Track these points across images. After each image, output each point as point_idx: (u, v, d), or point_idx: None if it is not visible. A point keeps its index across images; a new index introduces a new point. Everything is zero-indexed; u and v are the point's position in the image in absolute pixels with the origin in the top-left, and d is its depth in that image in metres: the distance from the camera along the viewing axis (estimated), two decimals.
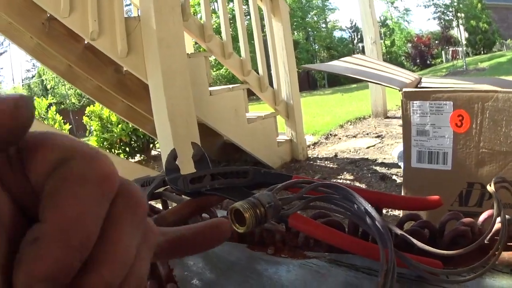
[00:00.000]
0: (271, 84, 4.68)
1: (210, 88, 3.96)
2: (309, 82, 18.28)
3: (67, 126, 6.86)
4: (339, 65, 2.09)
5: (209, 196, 0.78)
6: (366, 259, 0.66)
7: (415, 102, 1.53)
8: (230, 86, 4.35)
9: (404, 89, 1.56)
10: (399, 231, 0.61)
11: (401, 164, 3.45)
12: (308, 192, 0.62)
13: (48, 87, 17.26)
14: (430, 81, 1.99)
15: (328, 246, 0.73)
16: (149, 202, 0.82)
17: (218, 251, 0.83)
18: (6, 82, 20.62)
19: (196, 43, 5.59)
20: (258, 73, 4.48)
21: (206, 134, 3.97)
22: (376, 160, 4.37)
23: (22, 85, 19.29)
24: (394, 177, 3.71)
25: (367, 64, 2.12)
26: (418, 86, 1.76)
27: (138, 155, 7.01)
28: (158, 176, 0.92)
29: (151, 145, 7.02)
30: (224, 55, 4.01)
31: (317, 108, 9.08)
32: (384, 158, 4.35)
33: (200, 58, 3.86)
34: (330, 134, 6.06)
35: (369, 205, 0.58)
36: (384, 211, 0.69)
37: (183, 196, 0.86)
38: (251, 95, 5.79)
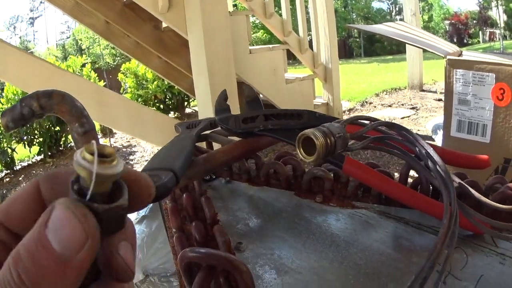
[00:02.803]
0: (310, 47, 4.62)
1: (250, 47, 3.92)
2: (345, 51, 18.06)
3: (102, 83, 6.92)
4: (383, 28, 2.06)
5: (260, 137, 0.76)
6: (414, 213, 0.64)
7: (458, 70, 1.50)
8: (270, 46, 4.31)
9: (448, 57, 1.52)
10: (457, 180, 0.58)
11: (435, 137, 3.41)
12: (369, 132, 0.59)
13: (83, 47, 17.43)
14: (471, 54, 1.94)
15: (376, 198, 0.71)
16: (196, 144, 0.80)
17: (264, 197, 0.82)
18: (40, 44, 20.91)
19: (235, 4, 5.54)
20: (298, 34, 4.40)
21: (243, 92, 3.95)
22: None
23: (56, 45, 19.51)
24: None
25: (410, 31, 2.08)
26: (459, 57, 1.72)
27: (172, 112, 7.06)
28: (205, 118, 0.90)
29: (186, 103, 7.06)
30: (265, 14, 3.95)
31: (353, 75, 9.00)
32: (418, 130, 4.29)
33: (241, 16, 3.82)
34: (366, 102, 6.01)
35: (431, 149, 0.55)
36: None
37: (230, 138, 0.84)
38: (290, 59, 5.75)
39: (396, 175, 0.72)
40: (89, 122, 0.59)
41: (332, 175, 0.78)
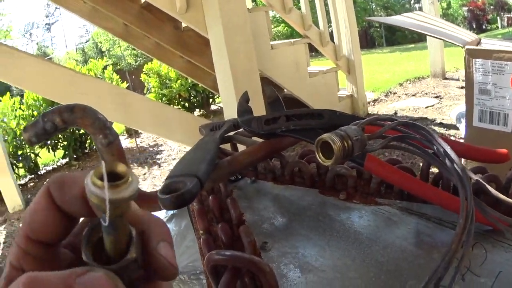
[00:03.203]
0: (331, 39, 4.61)
1: (271, 42, 3.94)
2: (367, 40, 17.89)
3: (124, 85, 6.99)
4: (402, 19, 2.05)
5: (283, 137, 0.77)
6: (436, 209, 0.64)
7: (477, 60, 1.48)
8: (292, 40, 4.31)
9: (467, 46, 1.51)
10: (474, 177, 0.59)
11: (459, 125, 3.38)
12: (387, 132, 0.60)
13: (103, 49, 17.48)
14: (490, 42, 1.92)
15: (399, 194, 0.72)
16: (221, 146, 0.82)
17: (289, 196, 0.83)
18: (59, 49, 21.05)
19: (254, 0, 5.54)
20: (318, 28, 4.40)
21: (266, 93, 3.97)
22: (434, 120, 4.29)
23: (76, 49, 19.61)
24: (452, 138, 3.63)
25: (429, 21, 2.07)
26: (478, 46, 1.70)
27: (197, 110, 7.11)
28: (228, 120, 0.91)
29: (211, 100, 7.09)
30: (284, 9, 3.95)
31: (376, 65, 8.93)
32: (443, 119, 4.26)
33: (261, 12, 3.84)
34: (390, 92, 5.97)
35: (449, 147, 0.56)
36: None
37: (254, 139, 0.85)
38: (312, 51, 5.74)
39: (420, 164, 0.72)
40: (112, 133, 0.61)
41: (355, 172, 0.79)
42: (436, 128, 4.00)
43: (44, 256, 0.29)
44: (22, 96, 6.45)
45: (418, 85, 6.16)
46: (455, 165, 0.53)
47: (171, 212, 2.18)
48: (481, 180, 0.58)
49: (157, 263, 0.28)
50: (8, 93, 6.05)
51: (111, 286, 0.24)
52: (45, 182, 0.29)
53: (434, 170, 0.68)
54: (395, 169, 0.66)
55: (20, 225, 0.32)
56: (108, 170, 0.24)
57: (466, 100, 1.56)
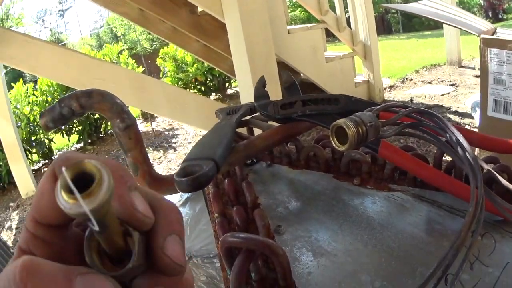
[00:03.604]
0: (348, 25, 4.58)
1: (288, 27, 3.91)
2: (384, 27, 17.67)
3: (140, 69, 7.00)
4: (418, 7, 2.04)
5: (299, 122, 0.78)
6: (448, 196, 0.65)
7: (492, 49, 1.47)
8: (308, 25, 4.29)
9: (482, 36, 1.49)
10: (486, 166, 0.59)
11: (474, 114, 3.35)
12: (401, 119, 0.60)
13: (118, 34, 17.40)
14: (506, 32, 1.90)
15: (412, 181, 0.72)
16: (237, 130, 0.83)
17: (304, 180, 0.84)
18: (73, 35, 20.98)
19: None
20: (335, 13, 4.36)
21: (282, 78, 3.96)
22: (450, 108, 4.26)
23: (91, 35, 19.56)
24: (467, 127, 3.62)
25: (445, 9, 2.05)
26: (493, 35, 1.68)
27: (213, 93, 7.11)
28: (245, 104, 0.92)
29: (227, 84, 7.08)
30: None
31: (392, 52, 8.87)
32: (458, 107, 4.24)
33: None
34: (406, 79, 5.94)
35: (461, 136, 0.56)
36: None
37: (270, 123, 0.86)
38: (328, 36, 5.71)
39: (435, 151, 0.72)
40: (130, 117, 0.62)
41: (369, 157, 0.80)
42: (451, 117, 3.99)
43: (53, 239, 0.28)
44: (35, 82, 6.48)
45: (434, 72, 6.11)
46: (467, 154, 0.53)
47: (186, 195, 2.20)
48: (492, 170, 0.58)
49: (162, 263, 0.27)
50: (21, 80, 6.09)
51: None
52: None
53: (448, 158, 0.68)
54: (409, 156, 0.66)
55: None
56: (74, 174, 0.22)
57: (480, 89, 1.54)
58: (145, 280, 0.27)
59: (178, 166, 4.42)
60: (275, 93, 2.34)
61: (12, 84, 5.90)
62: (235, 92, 6.97)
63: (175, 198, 2.41)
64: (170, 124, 6.20)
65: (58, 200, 0.22)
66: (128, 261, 0.26)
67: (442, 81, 5.45)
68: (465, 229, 0.44)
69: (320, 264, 0.57)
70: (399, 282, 0.50)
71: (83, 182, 0.22)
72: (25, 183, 4.50)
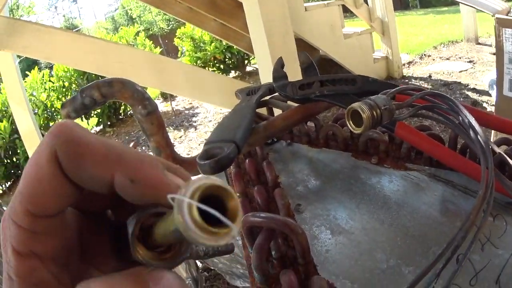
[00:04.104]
0: (365, 1, 4.53)
1: (305, 4, 3.89)
2: (401, 2, 17.39)
3: (158, 50, 7.02)
4: None
5: (317, 102, 0.79)
6: (463, 177, 0.66)
7: (507, 29, 1.45)
8: (325, 2, 4.26)
9: (497, 15, 1.47)
10: (497, 149, 0.60)
11: (492, 92, 3.31)
12: (416, 101, 0.61)
13: (134, 16, 17.29)
14: None
15: (428, 160, 0.73)
16: (256, 110, 0.84)
17: (323, 159, 0.85)
18: (87, 20, 20.89)
19: None
20: None
21: (303, 49, 3.94)
22: (468, 85, 4.24)
23: (105, 18, 19.45)
24: (484, 104, 3.63)
25: None
26: (508, 15, 1.65)
27: (233, 71, 7.11)
28: (264, 84, 0.93)
29: (246, 61, 7.07)
30: None
31: (410, 27, 8.76)
32: (476, 84, 4.22)
33: None
34: (424, 55, 5.90)
35: (473, 119, 0.57)
36: None
37: (289, 103, 0.87)
38: (345, 12, 5.68)
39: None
40: (151, 103, 0.65)
41: (387, 137, 0.81)
42: (469, 94, 3.99)
43: (55, 230, 0.25)
44: (51, 68, 6.52)
45: (452, 48, 6.05)
46: (478, 136, 0.54)
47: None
48: (503, 154, 0.59)
49: None
50: (36, 67, 6.14)
51: None
52: (45, 134, 0.25)
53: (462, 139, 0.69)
54: (424, 136, 0.67)
55: (12, 201, 0.24)
56: (209, 193, 0.20)
57: (496, 68, 1.53)
58: None
59: (199, 144, 4.46)
60: (294, 71, 2.33)
61: (27, 72, 5.96)
62: (255, 69, 6.96)
63: None
64: (190, 103, 6.23)
65: (188, 225, 0.19)
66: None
67: (459, 58, 5.40)
68: (474, 211, 0.45)
69: (337, 242, 0.59)
70: (413, 261, 0.51)
71: (212, 203, 0.20)
72: None
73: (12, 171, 5.13)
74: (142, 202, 0.24)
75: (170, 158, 0.69)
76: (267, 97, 0.93)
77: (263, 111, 1.00)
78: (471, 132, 0.56)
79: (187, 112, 5.93)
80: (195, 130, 5.06)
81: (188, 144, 4.63)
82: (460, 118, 0.58)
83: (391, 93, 0.58)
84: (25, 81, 5.60)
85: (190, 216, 0.19)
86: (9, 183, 5.09)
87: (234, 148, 0.60)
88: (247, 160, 0.81)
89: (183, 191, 0.19)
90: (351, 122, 0.55)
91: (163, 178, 0.24)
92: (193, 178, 0.20)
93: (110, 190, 0.24)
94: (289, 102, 0.88)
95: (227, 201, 0.20)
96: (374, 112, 0.53)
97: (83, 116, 5.22)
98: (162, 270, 0.23)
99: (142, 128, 0.67)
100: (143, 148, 4.92)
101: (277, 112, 0.91)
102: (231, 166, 0.86)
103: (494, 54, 4.96)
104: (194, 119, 5.53)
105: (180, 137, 4.91)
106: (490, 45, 5.67)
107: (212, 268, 2.15)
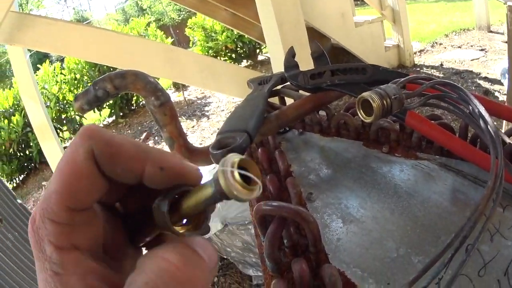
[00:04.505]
0: None
1: None
2: None
3: (169, 40, 7.02)
4: None
5: (328, 91, 0.79)
6: (473, 167, 0.65)
7: None
8: None
9: (509, 3, 1.46)
10: (507, 140, 0.60)
11: (504, 81, 3.28)
12: (426, 90, 0.61)
13: (144, 7, 17.20)
14: None
15: (438, 149, 0.73)
16: (268, 99, 0.84)
17: (334, 148, 0.86)
18: (98, 12, 20.74)
19: None
20: None
21: (314, 38, 3.92)
22: (480, 74, 4.20)
23: (116, 10, 19.35)
24: (496, 93, 3.60)
25: None
26: None
27: (244, 60, 7.10)
28: (276, 74, 0.93)
29: (258, 50, 7.06)
30: None
31: (421, 15, 8.67)
32: (488, 73, 4.18)
33: None
34: (436, 43, 5.85)
35: (483, 109, 0.57)
36: None
37: (301, 92, 0.87)
38: (356, 0, 5.63)
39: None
40: (164, 94, 0.65)
41: (398, 126, 0.81)
42: (481, 83, 3.96)
43: (88, 221, 0.28)
44: (62, 61, 6.54)
45: (463, 37, 5.99)
46: (488, 126, 0.54)
47: None
48: None
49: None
50: (47, 61, 6.16)
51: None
52: (77, 136, 0.28)
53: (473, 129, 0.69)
54: (435, 126, 0.67)
55: (43, 196, 0.27)
56: (243, 165, 0.26)
57: (508, 57, 1.52)
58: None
59: (212, 134, 4.47)
60: (305, 60, 2.31)
61: (38, 66, 5.98)
62: (266, 58, 6.95)
63: (210, 167, 2.45)
64: (202, 93, 6.24)
65: (229, 182, 0.25)
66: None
67: (471, 46, 5.35)
68: (483, 201, 0.45)
69: (349, 230, 0.59)
70: (423, 250, 0.52)
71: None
72: (57, 161, 4.54)
73: (26, 164, 5.18)
74: (168, 185, 0.29)
75: (183, 148, 0.70)
76: (279, 87, 0.93)
77: (275, 100, 1.00)
78: (481, 122, 0.56)
79: (199, 101, 5.94)
80: (208, 119, 5.07)
81: (201, 133, 4.64)
82: (470, 108, 0.58)
83: (401, 82, 0.58)
84: (37, 75, 5.64)
85: (234, 179, 0.25)
86: (22, 176, 5.14)
87: (246, 137, 0.60)
88: (259, 150, 0.82)
89: (224, 163, 0.25)
90: (361, 111, 0.56)
91: (185, 164, 0.29)
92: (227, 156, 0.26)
93: (138, 180, 0.29)
94: (300, 92, 0.88)
95: (251, 169, 0.26)
96: (384, 101, 0.53)
97: (95, 108, 5.32)
98: (194, 237, 0.27)
99: (155, 119, 0.67)
100: (156, 138, 4.94)
101: (289, 101, 0.91)
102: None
103: (506, 42, 4.93)
104: (206, 108, 5.54)
105: (193, 126, 4.92)
106: (503, 33, 5.60)
107: (225, 257, 2.17)
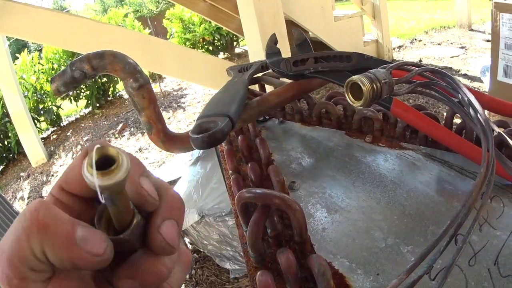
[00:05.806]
0: None
1: None
2: None
3: (146, 32, 6.97)
4: None
5: (311, 79, 0.77)
6: (458, 157, 0.65)
7: (504, 14, 1.44)
8: None
9: (494, 0, 1.46)
10: (497, 129, 0.59)
11: (483, 78, 3.32)
12: (414, 78, 0.60)
13: None
14: None
15: (423, 140, 0.72)
16: (249, 87, 0.82)
17: (316, 137, 0.84)
18: (76, 2, 20.54)
19: None
20: None
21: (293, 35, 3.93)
22: (459, 71, 4.22)
23: (94, 0, 19.15)
24: (476, 90, 3.60)
25: None
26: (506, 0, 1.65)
27: (221, 53, 7.08)
28: (256, 62, 0.91)
29: (235, 43, 7.05)
30: None
31: (402, 11, 8.74)
32: (467, 70, 4.20)
33: None
34: (415, 39, 5.88)
35: (473, 97, 0.56)
36: None
37: (282, 79, 0.86)
38: None
39: (444, 114, 0.72)
40: (143, 76, 0.62)
41: (381, 115, 0.79)
42: (461, 79, 3.95)
43: (73, 205, 0.31)
44: (40, 51, 6.45)
45: (443, 34, 6.03)
46: (478, 115, 0.53)
47: (196, 154, 2.21)
48: (503, 133, 0.58)
49: (155, 241, 0.30)
50: (25, 50, 6.06)
51: (103, 243, 0.27)
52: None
53: (458, 120, 0.68)
54: (421, 115, 0.66)
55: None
56: (101, 156, 0.26)
57: (491, 54, 1.53)
58: (140, 255, 0.30)
59: (187, 126, 4.44)
60: (284, 52, 2.29)
61: (17, 55, 5.90)
62: (243, 51, 6.94)
63: (186, 158, 2.42)
64: (179, 84, 6.20)
65: (83, 172, 0.25)
66: None
67: (451, 43, 5.39)
68: (476, 190, 0.45)
69: (334, 220, 0.58)
70: (411, 240, 0.51)
71: (108, 164, 0.26)
72: (34, 152, 4.58)
73: (4, 155, 5.10)
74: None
75: (162, 133, 0.67)
76: (259, 74, 0.91)
77: (255, 88, 0.98)
78: (471, 111, 0.54)
79: (175, 93, 5.89)
80: (184, 111, 5.03)
81: (177, 125, 4.60)
82: (460, 96, 0.57)
83: (390, 67, 0.57)
84: (15, 64, 5.56)
85: (86, 162, 0.25)
86: (1, 166, 5.05)
87: (228, 122, 0.58)
88: (239, 137, 0.80)
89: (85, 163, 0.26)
90: (350, 96, 0.54)
91: (137, 178, 0.30)
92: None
93: None
94: (282, 79, 0.86)
95: (112, 154, 0.26)
96: (375, 85, 0.51)
97: (71, 98, 5.21)
98: (99, 231, 0.28)
99: (133, 103, 0.65)
100: (132, 129, 4.89)
101: (269, 89, 0.89)
102: (222, 144, 0.84)
103: (487, 41, 4.98)
104: (182, 100, 5.50)
105: (169, 118, 4.88)
106: (484, 32, 5.66)
107: (202, 250, 2.15)
